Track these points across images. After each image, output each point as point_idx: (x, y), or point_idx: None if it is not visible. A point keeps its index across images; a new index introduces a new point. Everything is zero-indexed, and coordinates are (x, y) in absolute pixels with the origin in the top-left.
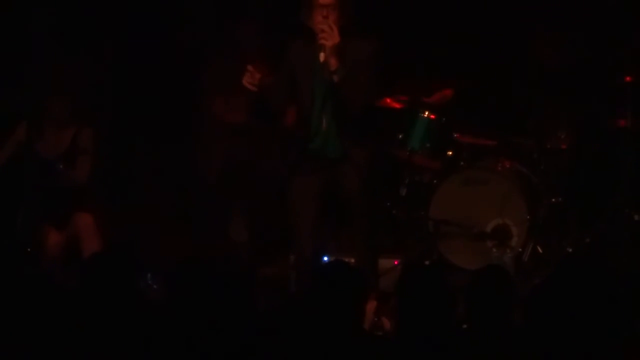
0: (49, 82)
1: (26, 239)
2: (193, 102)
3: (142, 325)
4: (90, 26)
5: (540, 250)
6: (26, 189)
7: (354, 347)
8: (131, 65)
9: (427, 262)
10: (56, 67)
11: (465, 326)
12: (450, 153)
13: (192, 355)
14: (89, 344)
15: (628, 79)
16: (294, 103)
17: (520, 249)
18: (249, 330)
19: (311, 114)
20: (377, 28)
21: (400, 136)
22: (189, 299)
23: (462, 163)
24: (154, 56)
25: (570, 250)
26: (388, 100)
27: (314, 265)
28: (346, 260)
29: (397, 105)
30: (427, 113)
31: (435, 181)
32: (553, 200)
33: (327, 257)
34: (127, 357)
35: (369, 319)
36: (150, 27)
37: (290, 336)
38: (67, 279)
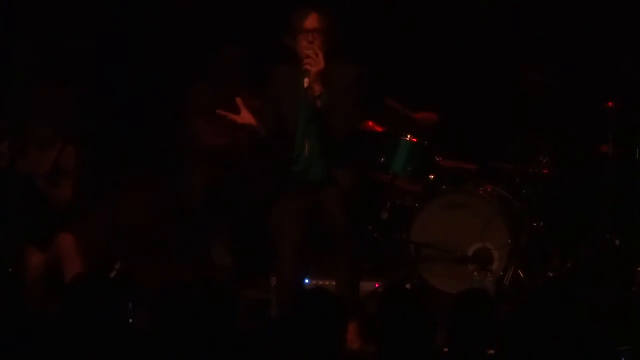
0: (30, 106)
1: (8, 259)
2: (176, 125)
3: (124, 351)
4: (72, 53)
5: (522, 275)
6: (8, 208)
7: None
8: (114, 87)
9: (408, 286)
10: (37, 90)
11: (446, 349)
12: (432, 177)
13: None
14: None
15: (610, 104)
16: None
17: (501, 273)
18: (231, 354)
19: (295, 138)
20: (361, 55)
21: (382, 159)
22: (171, 323)
23: (444, 187)
24: (137, 78)
25: (551, 274)
26: (370, 123)
27: (296, 289)
28: (327, 283)
29: (379, 129)
30: (409, 137)
31: (417, 205)
32: (534, 224)
33: (308, 280)
34: None
35: (350, 343)
36: (135, 50)
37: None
38: (48, 301)
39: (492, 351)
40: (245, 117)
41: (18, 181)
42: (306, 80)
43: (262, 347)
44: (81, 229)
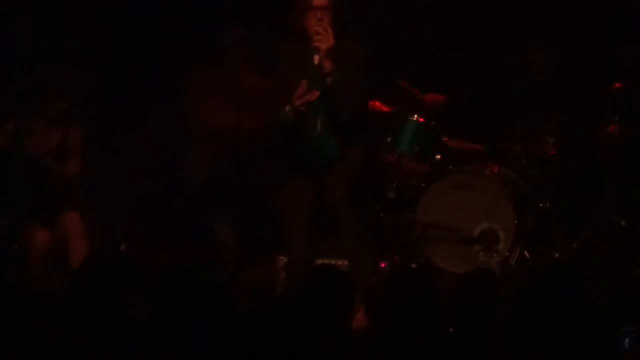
0: (37, 82)
1: (13, 237)
2: (181, 104)
3: (127, 331)
4: (77, 29)
5: (527, 255)
6: (14, 186)
7: (341, 349)
8: (119, 66)
9: (413, 266)
10: (44, 67)
11: (452, 329)
12: (439, 157)
13: (178, 358)
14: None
15: (617, 85)
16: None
17: (507, 254)
18: (234, 332)
19: (305, 117)
20: (370, 33)
21: (388, 139)
22: (173, 305)
23: (450, 167)
24: (142, 58)
25: (557, 255)
26: (377, 103)
27: (306, 268)
28: (339, 263)
29: (385, 109)
30: (416, 117)
31: (423, 185)
32: (540, 205)
33: (319, 260)
34: None
35: (357, 322)
36: (139, 29)
37: (276, 338)
38: (54, 279)
39: (496, 330)
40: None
41: (24, 159)
42: (316, 57)
43: (268, 326)
44: (86, 208)
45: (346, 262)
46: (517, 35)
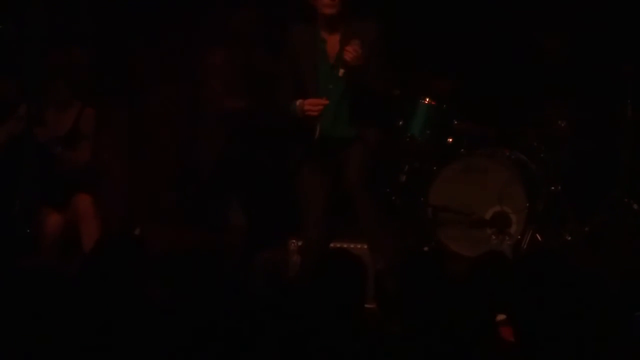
0: (49, 65)
1: (25, 221)
2: (192, 87)
3: (140, 314)
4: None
5: (540, 239)
6: (26, 170)
7: (354, 331)
8: (130, 49)
9: (425, 249)
10: (55, 50)
11: (462, 310)
12: (451, 140)
13: (192, 341)
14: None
15: (629, 68)
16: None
17: (519, 237)
18: (247, 315)
19: (317, 96)
20: (378, 15)
21: (400, 122)
22: (185, 287)
23: (462, 150)
24: (155, 41)
25: (570, 238)
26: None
27: (320, 251)
28: (359, 246)
29: (397, 92)
30: (427, 100)
31: (434, 168)
32: (552, 188)
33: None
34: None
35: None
36: (153, 11)
37: (289, 320)
38: (66, 262)
39: (504, 315)
40: None
41: (36, 143)
42: (341, 71)
43: (280, 309)
44: (99, 191)
45: (359, 246)
46: (531, 19)
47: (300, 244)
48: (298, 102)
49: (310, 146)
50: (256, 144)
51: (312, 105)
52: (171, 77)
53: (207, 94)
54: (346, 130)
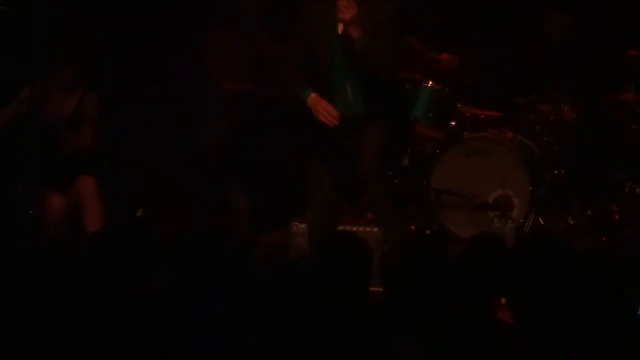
0: (53, 47)
1: (28, 203)
2: (197, 70)
3: (142, 297)
4: None
5: (542, 222)
6: (28, 152)
7: (357, 315)
8: (134, 31)
9: (428, 232)
10: (59, 33)
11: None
12: (454, 123)
13: (195, 325)
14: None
15: (633, 52)
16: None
17: (521, 220)
18: (250, 299)
19: (331, 76)
20: None
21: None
22: (188, 271)
23: (465, 133)
24: (158, 23)
25: (572, 222)
26: None
27: (326, 233)
28: (369, 229)
29: (400, 75)
30: (430, 83)
31: (437, 151)
32: (555, 172)
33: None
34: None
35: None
36: None
37: (293, 303)
38: (69, 245)
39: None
40: None
41: (39, 126)
42: (340, 25)
43: (283, 291)
44: (102, 173)
45: (366, 229)
46: (536, 1)
47: (303, 226)
48: (313, 95)
49: (321, 128)
50: (260, 128)
51: (326, 112)
52: (176, 60)
53: (212, 76)
54: (359, 107)
